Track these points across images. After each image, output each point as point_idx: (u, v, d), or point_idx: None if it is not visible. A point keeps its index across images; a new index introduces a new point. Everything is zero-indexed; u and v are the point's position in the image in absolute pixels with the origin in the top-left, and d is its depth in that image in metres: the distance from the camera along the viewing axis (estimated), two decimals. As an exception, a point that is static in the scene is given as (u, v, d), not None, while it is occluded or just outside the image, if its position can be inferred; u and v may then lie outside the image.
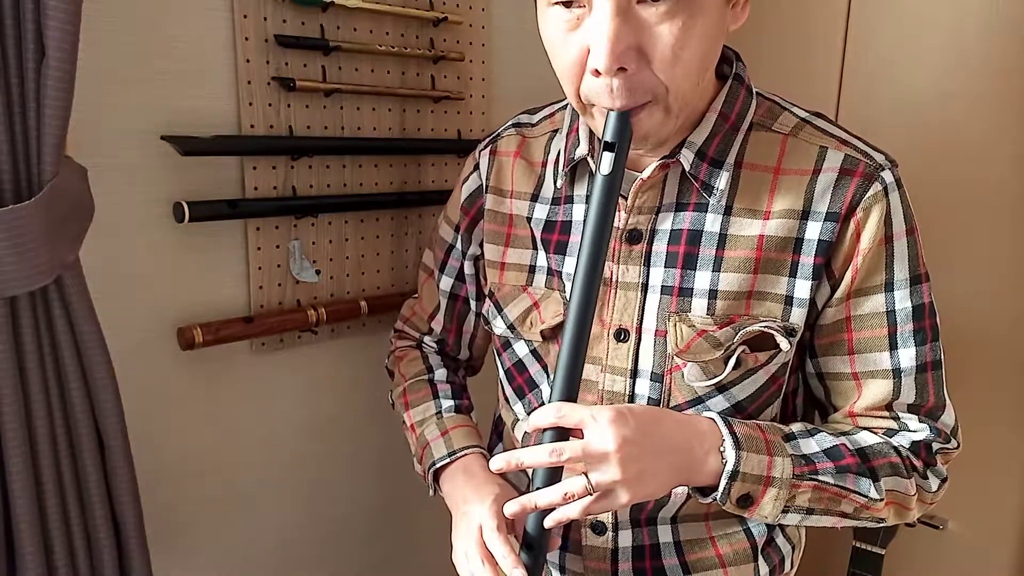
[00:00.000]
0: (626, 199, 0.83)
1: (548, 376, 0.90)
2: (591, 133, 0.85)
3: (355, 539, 1.39)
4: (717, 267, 0.80)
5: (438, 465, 0.93)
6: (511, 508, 0.74)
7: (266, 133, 1.12)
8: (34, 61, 0.81)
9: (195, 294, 1.11)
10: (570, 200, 0.89)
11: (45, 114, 0.82)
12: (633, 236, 0.83)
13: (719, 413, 0.80)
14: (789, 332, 0.81)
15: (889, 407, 0.83)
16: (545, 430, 0.73)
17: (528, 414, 0.94)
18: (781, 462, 0.76)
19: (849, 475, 0.78)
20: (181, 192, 1.06)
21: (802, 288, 0.80)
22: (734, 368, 0.81)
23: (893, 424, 0.84)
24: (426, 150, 1.31)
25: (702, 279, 0.81)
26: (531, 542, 0.75)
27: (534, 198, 0.92)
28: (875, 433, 0.82)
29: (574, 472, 0.72)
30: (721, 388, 0.83)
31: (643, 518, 0.88)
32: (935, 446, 0.83)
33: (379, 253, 1.30)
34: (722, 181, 0.80)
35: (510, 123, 0.99)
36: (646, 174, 0.81)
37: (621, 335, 0.84)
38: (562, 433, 0.72)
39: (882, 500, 0.79)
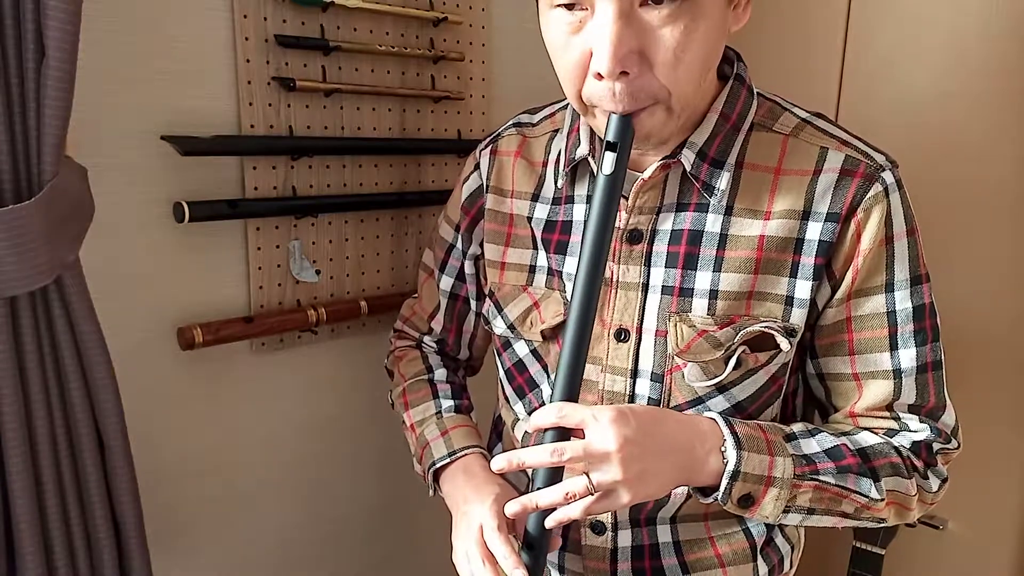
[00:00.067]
0: (627, 199, 0.83)
1: (548, 376, 0.90)
2: (592, 133, 0.85)
3: (355, 539, 1.39)
4: (718, 267, 0.80)
5: (438, 465, 0.93)
6: (512, 508, 0.73)
7: (266, 133, 1.12)
8: (34, 61, 0.81)
9: (195, 294, 1.11)
10: (571, 200, 0.89)
11: (45, 114, 0.82)
12: (634, 236, 0.83)
13: (720, 413, 0.80)
14: (789, 332, 0.81)
15: (890, 407, 0.83)
16: (546, 430, 0.73)
17: (528, 414, 0.94)
18: (782, 462, 0.76)
19: (850, 475, 0.78)
20: (181, 192, 1.06)
21: (802, 288, 0.80)
22: (734, 368, 0.81)
23: (894, 424, 0.84)
24: (426, 150, 1.31)
25: (703, 279, 0.81)
26: (532, 542, 0.75)
27: (535, 198, 0.92)
28: (876, 433, 0.82)
29: (575, 472, 0.72)
30: (721, 388, 0.83)
31: (642, 518, 0.88)
32: (935, 446, 0.83)
33: (379, 253, 1.30)
34: (723, 181, 0.80)
35: (511, 123, 0.99)
36: (647, 174, 0.81)
37: (621, 335, 0.84)
38: (563, 433, 0.72)
39: (883, 500, 0.79)
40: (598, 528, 0.88)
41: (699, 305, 0.81)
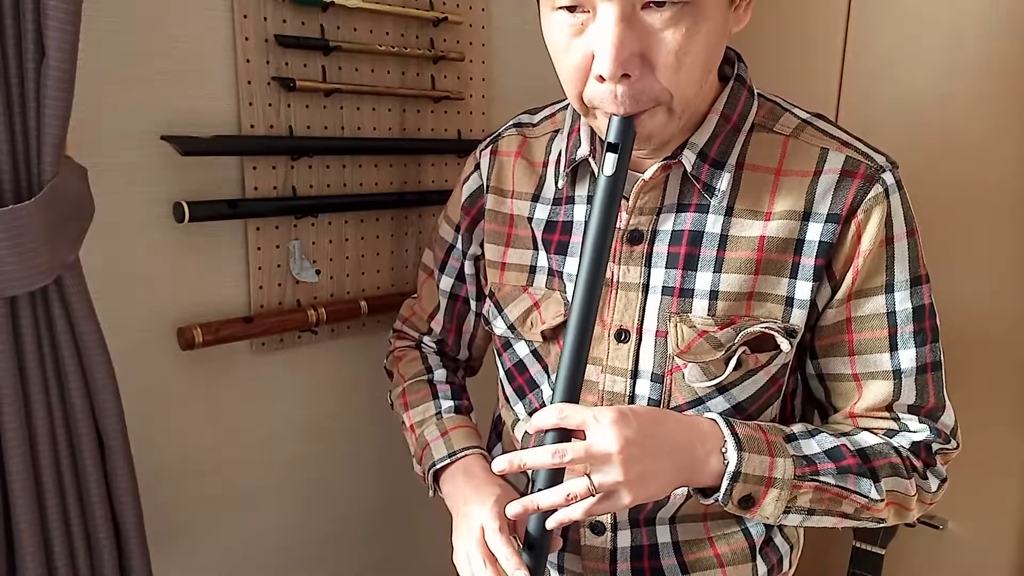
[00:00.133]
0: (627, 200, 0.83)
1: (548, 376, 0.90)
2: (592, 133, 0.85)
3: (355, 539, 1.39)
4: (718, 268, 0.80)
5: (438, 466, 0.93)
6: (513, 509, 0.74)
7: (266, 133, 1.12)
8: (34, 61, 0.81)
9: (195, 294, 1.11)
10: (571, 200, 0.89)
11: (45, 114, 0.82)
12: (634, 237, 0.83)
13: (720, 414, 0.80)
14: (790, 333, 0.81)
15: (889, 408, 0.83)
16: (547, 431, 0.73)
17: (529, 414, 0.94)
18: (783, 463, 0.76)
19: (850, 476, 0.78)
20: (181, 192, 1.06)
21: (803, 289, 0.80)
22: (735, 369, 0.81)
23: (893, 425, 0.84)
24: (426, 150, 1.31)
25: (703, 280, 0.81)
26: (533, 543, 0.75)
27: (535, 198, 0.92)
28: (875, 434, 0.82)
29: (575, 473, 0.72)
30: (721, 389, 0.83)
31: (642, 518, 0.88)
32: (935, 446, 0.83)
33: (379, 253, 1.30)
34: (723, 182, 0.80)
35: (511, 123, 0.99)
36: (648, 175, 0.81)
37: (622, 335, 0.84)
38: (564, 434, 0.72)
39: (882, 500, 0.79)
40: (597, 528, 0.88)
41: (699, 306, 0.81)
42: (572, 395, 0.74)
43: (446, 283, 1.05)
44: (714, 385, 0.82)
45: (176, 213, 1.05)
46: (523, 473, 0.90)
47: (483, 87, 1.37)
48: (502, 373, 0.98)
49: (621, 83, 0.71)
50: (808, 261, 0.79)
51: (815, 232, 0.79)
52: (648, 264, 0.83)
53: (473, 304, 1.05)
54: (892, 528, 1.38)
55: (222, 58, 1.07)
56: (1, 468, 0.89)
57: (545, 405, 0.89)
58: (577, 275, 0.74)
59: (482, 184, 0.98)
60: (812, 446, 0.79)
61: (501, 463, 0.72)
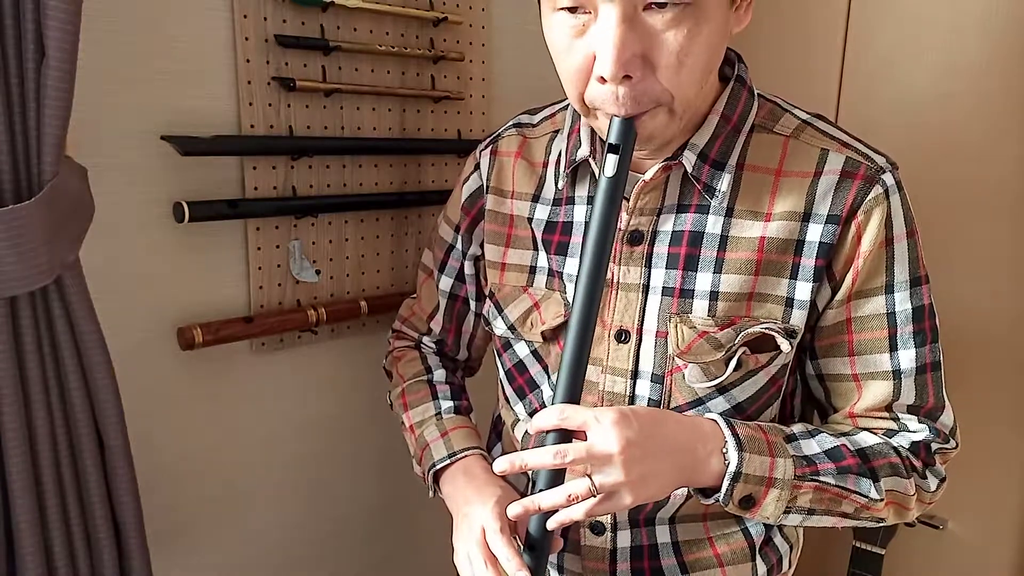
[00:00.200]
0: (628, 201, 0.83)
1: (549, 377, 0.90)
2: (592, 134, 0.85)
3: (355, 539, 1.39)
4: (718, 269, 0.80)
5: (438, 466, 0.93)
6: (514, 510, 0.74)
7: (266, 133, 1.12)
8: (34, 61, 0.81)
9: (195, 294, 1.11)
10: (571, 201, 0.89)
11: (45, 114, 0.82)
12: (635, 237, 0.83)
13: (720, 414, 0.80)
14: (790, 334, 0.81)
15: (889, 408, 0.83)
16: (548, 432, 0.73)
17: (529, 414, 0.94)
18: (783, 463, 0.76)
19: (850, 476, 0.78)
20: (181, 192, 1.06)
21: (803, 290, 0.80)
22: (735, 369, 0.81)
23: (893, 425, 0.84)
24: (426, 150, 1.31)
25: (703, 280, 0.81)
26: (534, 543, 0.75)
27: (535, 199, 0.92)
28: (875, 434, 0.83)
29: (576, 474, 0.72)
30: (722, 389, 0.83)
31: (642, 519, 0.88)
32: (934, 446, 0.83)
33: (379, 253, 1.30)
34: (724, 183, 0.80)
35: (511, 123, 0.99)
36: (648, 176, 0.81)
37: (622, 336, 0.84)
38: (565, 435, 0.72)
39: (882, 500, 0.79)
40: (597, 529, 0.88)
41: (700, 306, 0.81)
42: (573, 396, 0.74)
43: (445, 283, 1.05)
44: (714, 386, 0.82)
45: (176, 213, 1.05)
46: (523, 473, 0.90)
47: (483, 87, 1.37)
48: (502, 373, 0.98)
49: (622, 84, 0.71)
50: (808, 262, 0.79)
51: (815, 233, 0.79)
52: (648, 265, 0.83)
53: (473, 304, 1.05)
54: (892, 528, 1.38)
55: (222, 58, 1.07)
56: (1, 468, 0.89)
57: (545, 405, 0.89)
58: (578, 276, 0.74)
59: (482, 184, 0.98)
60: (812, 446, 0.79)
61: (502, 464, 0.72)
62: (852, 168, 0.79)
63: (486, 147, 0.99)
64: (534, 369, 0.92)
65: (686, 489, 0.84)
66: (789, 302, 0.81)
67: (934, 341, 0.82)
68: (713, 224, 0.81)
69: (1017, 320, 1.34)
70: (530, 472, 0.79)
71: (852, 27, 1.46)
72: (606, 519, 0.88)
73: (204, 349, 1.09)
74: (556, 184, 0.90)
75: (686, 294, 0.81)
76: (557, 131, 0.93)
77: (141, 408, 1.06)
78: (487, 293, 0.98)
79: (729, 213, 0.81)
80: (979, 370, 1.37)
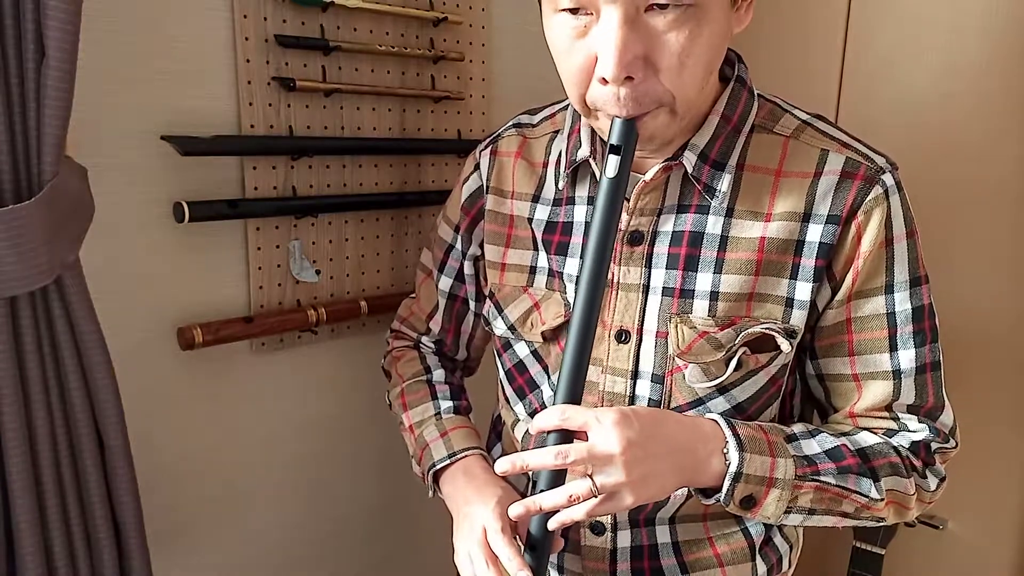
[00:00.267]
0: (628, 201, 0.83)
1: (549, 377, 0.90)
2: (592, 134, 0.85)
3: (355, 539, 1.39)
4: (718, 269, 0.80)
5: (438, 467, 0.93)
6: (516, 510, 0.74)
7: (266, 133, 1.12)
8: (34, 61, 0.81)
9: (195, 294, 1.11)
10: (571, 201, 0.89)
11: (45, 114, 0.82)
12: (635, 238, 0.83)
13: (720, 414, 0.80)
14: (790, 334, 0.81)
15: (889, 408, 0.83)
16: (549, 432, 0.73)
17: (529, 415, 0.94)
18: (784, 463, 0.76)
19: (850, 475, 0.78)
20: (181, 192, 1.06)
21: (803, 290, 0.80)
22: (735, 369, 0.81)
23: (893, 424, 0.84)
24: (426, 150, 1.31)
25: (703, 281, 0.81)
26: (535, 543, 0.76)
27: (535, 199, 0.92)
28: (875, 433, 0.83)
29: (576, 474, 0.72)
30: (722, 389, 0.83)
31: (642, 519, 0.88)
32: (934, 446, 0.83)
33: (379, 253, 1.30)
34: (724, 183, 0.80)
35: (511, 123, 0.99)
36: (648, 176, 0.81)
37: (622, 336, 0.84)
38: (565, 435, 0.72)
39: (882, 500, 0.79)
40: (597, 529, 0.88)
41: (700, 306, 0.81)
42: (574, 396, 0.74)
43: (445, 283, 1.05)
44: (714, 386, 0.82)
45: (176, 213, 1.05)
46: (524, 474, 0.90)
47: (483, 87, 1.37)
48: (502, 374, 0.98)
49: (624, 85, 0.71)
50: (808, 262, 0.79)
51: (815, 233, 0.79)
52: (648, 265, 0.83)
53: (472, 304, 1.05)
54: (892, 528, 1.38)
55: (222, 58, 1.07)
56: (1, 468, 0.89)
57: (546, 406, 0.89)
58: (579, 276, 0.74)
59: (482, 184, 0.97)
60: (813, 446, 0.79)
61: (504, 464, 0.72)
62: (852, 168, 0.79)
63: (486, 147, 0.99)
64: (534, 369, 0.92)
65: (686, 489, 0.84)
66: (789, 302, 0.81)
67: (934, 341, 0.82)
68: (713, 224, 0.81)
69: (1017, 320, 1.34)
70: (531, 472, 0.79)
71: (852, 27, 1.46)
72: (606, 519, 0.88)
73: (204, 349, 1.09)
74: (556, 184, 0.90)
75: (686, 294, 0.81)
76: (557, 131, 0.93)
77: (141, 408, 1.06)
78: (487, 293, 0.98)
79: (729, 213, 0.81)
80: (979, 370, 1.37)
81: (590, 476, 0.71)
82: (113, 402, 0.95)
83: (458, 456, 0.92)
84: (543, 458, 0.71)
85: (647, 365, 0.83)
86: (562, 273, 0.88)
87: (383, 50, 1.20)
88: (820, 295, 0.81)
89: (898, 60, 1.41)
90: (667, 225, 0.83)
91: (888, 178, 0.79)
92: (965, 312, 1.36)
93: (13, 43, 0.81)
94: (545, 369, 0.91)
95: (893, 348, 0.81)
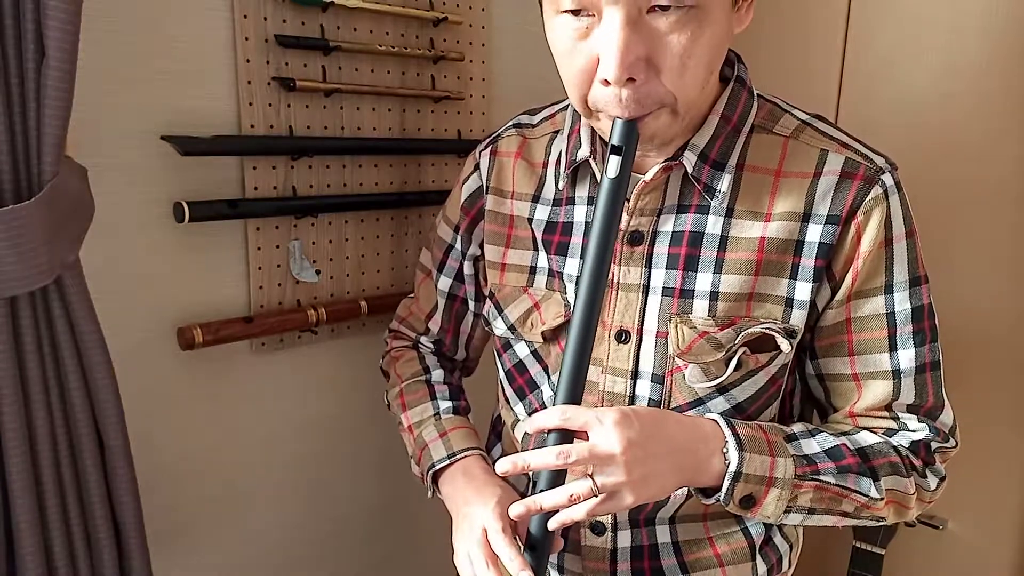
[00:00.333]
0: (628, 201, 0.83)
1: (549, 377, 0.90)
2: (592, 134, 0.85)
3: (355, 539, 1.39)
4: (718, 269, 0.80)
5: (437, 467, 0.93)
6: (516, 511, 0.74)
7: (266, 133, 1.12)
8: (34, 61, 0.81)
9: (195, 294, 1.11)
10: (571, 201, 0.89)
11: (45, 114, 0.82)
12: (635, 238, 0.83)
13: (720, 414, 0.80)
14: (790, 334, 0.81)
15: (889, 407, 0.83)
16: (549, 432, 0.73)
17: (529, 415, 0.94)
18: (783, 463, 0.76)
19: (850, 475, 0.78)
20: (181, 192, 1.06)
21: (802, 290, 0.80)
22: (735, 369, 0.81)
23: (893, 424, 0.84)
24: (426, 150, 1.31)
25: (703, 281, 0.81)
26: (535, 543, 0.76)
27: (535, 199, 0.92)
28: (875, 433, 0.83)
29: (576, 474, 0.72)
30: (722, 389, 0.83)
31: (642, 519, 0.88)
32: (934, 445, 0.83)
33: (379, 253, 1.30)
34: (724, 183, 0.80)
35: (510, 124, 0.99)
36: (648, 176, 0.81)
37: (622, 336, 0.84)
38: (566, 434, 0.72)
39: (882, 499, 0.79)
40: (597, 529, 0.88)
41: (700, 306, 0.81)
42: (574, 396, 0.74)
43: (444, 283, 1.05)
44: (714, 386, 0.82)
45: (176, 213, 1.05)
46: (524, 474, 0.90)
47: (483, 87, 1.37)
48: (502, 374, 0.98)
49: (626, 87, 0.71)
50: (808, 262, 0.79)
51: (815, 233, 0.79)
52: (648, 265, 0.83)
53: (471, 304, 1.05)
54: (892, 528, 1.38)
55: (222, 58, 1.07)
56: (1, 468, 0.89)
57: (545, 406, 0.89)
58: (580, 276, 0.74)
59: (482, 185, 0.97)
60: (812, 446, 0.80)
61: (505, 465, 0.72)
62: (852, 168, 0.79)
63: (486, 147, 0.99)
64: (534, 369, 0.92)
65: (686, 489, 0.84)
66: (789, 302, 0.81)
67: (933, 341, 0.82)
68: (713, 224, 0.81)
69: (1017, 320, 1.34)
70: (530, 472, 0.79)
71: (852, 27, 1.46)
72: (606, 519, 0.88)
73: (204, 349, 1.09)
74: (556, 184, 0.90)
75: (686, 294, 0.81)
76: (557, 132, 0.93)
77: (141, 408, 1.06)
78: (487, 293, 0.98)
79: (729, 213, 0.81)
80: (979, 370, 1.37)
81: (590, 476, 0.71)
82: (113, 402, 0.95)
83: (457, 456, 0.92)
84: (545, 458, 0.71)
85: (647, 365, 0.83)
86: (562, 273, 0.88)
87: (383, 50, 1.20)
88: (820, 295, 0.81)
89: (898, 60, 1.40)
90: (667, 225, 0.83)
91: (888, 178, 0.79)
92: (965, 312, 1.36)
93: (13, 43, 0.81)
94: (545, 369, 0.91)
95: (893, 348, 0.81)
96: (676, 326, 0.82)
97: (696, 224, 0.82)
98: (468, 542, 0.80)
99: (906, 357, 0.81)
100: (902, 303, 0.80)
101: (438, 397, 1.01)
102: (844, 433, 0.82)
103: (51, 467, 0.92)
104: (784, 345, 0.80)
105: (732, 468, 0.74)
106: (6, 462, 0.89)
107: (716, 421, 0.78)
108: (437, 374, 1.05)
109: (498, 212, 0.95)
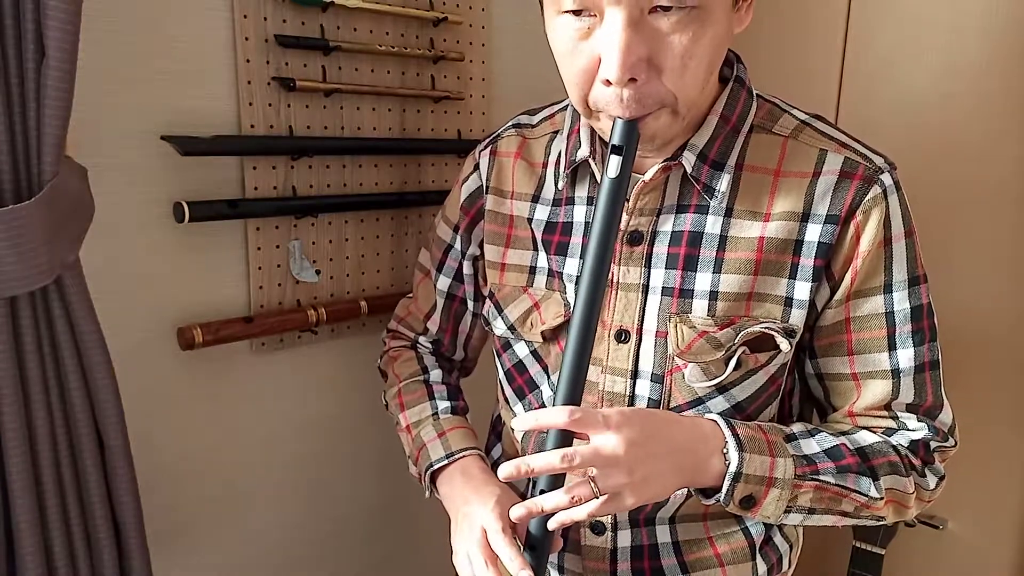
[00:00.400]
0: (627, 201, 0.83)
1: (548, 377, 0.90)
2: (592, 134, 0.85)
3: (355, 539, 1.39)
4: (718, 269, 0.80)
5: (435, 467, 0.93)
6: (517, 512, 0.73)
7: (266, 133, 1.12)
8: (34, 61, 0.81)
9: (195, 294, 1.11)
10: (571, 201, 0.89)
11: (45, 114, 0.82)
12: (634, 238, 0.83)
13: (720, 414, 0.80)
14: (789, 333, 0.81)
15: (888, 407, 0.84)
16: (549, 432, 0.73)
17: (528, 415, 0.94)
18: (783, 463, 0.76)
19: (850, 475, 0.78)
20: (181, 192, 1.06)
21: (802, 290, 0.80)
22: (734, 369, 0.81)
23: (892, 423, 0.84)
24: (426, 150, 1.31)
25: (703, 280, 0.81)
26: (535, 543, 0.76)
27: (535, 199, 0.92)
28: (874, 432, 0.83)
29: (577, 474, 0.72)
30: (721, 389, 0.83)
31: (642, 518, 0.88)
32: (933, 444, 0.83)
33: (379, 253, 1.30)
34: (723, 183, 0.80)
35: (510, 124, 0.99)
36: (648, 176, 0.81)
37: (622, 336, 0.84)
38: (566, 434, 0.72)
39: (882, 499, 0.79)
40: (598, 528, 0.88)
41: (699, 306, 0.81)
42: (574, 396, 0.74)
43: (443, 283, 1.05)
44: (714, 385, 0.82)
45: (176, 213, 1.05)
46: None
47: (483, 87, 1.37)
48: (502, 374, 0.98)
49: (627, 87, 0.71)
50: (807, 262, 0.79)
51: (814, 233, 0.79)
52: (648, 265, 0.83)
53: (470, 304, 1.05)
54: (892, 528, 1.38)
55: (222, 58, 1.07)
56: (1, 468, 0.89)
57: (545, 406, 0.89)
58: (580, 276, 0.74)
59: (481, 184, 0.98)
60: (812, 446, 0.80)
61: (508, 469, 0.71)
62: (851, 168, 0.79)
63: (485, 147, 0.99)
64: (534, 369, 0.92)
65: (686, 489, 0.84)
66: (788, 302, 0.81)
67: (932, 340, 0.82)
68: (712, 224, 0.81)
69: (1017, 320, 1.34)
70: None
71: (852, 27, 1.46)
72: (606, 519, 0.88)
73: (204, 349, 1.09)
74: (556, 184, 0.90)
75: (686, 294, 0.81)
76: (556, 132, 0.93)
77: (141, 408, 1.06)
78: (487, 293, 0.98)
79: (728, 213, 0.81)
80: (979, 370, 1.37)
81: (591, 477, 0.71)
82: (113, 402, 0.95)
83: (456, 456, 0.92)
84: (549, 461, 0.70)
85: (647, 365, 0.83)
86: (562, 273, 0.88)
87: (383, 50, 1.20)
88: (819, 295, 0.81)
89: (898, 60, 1.41)
90: (666, 225, 0.83)
91: (887, 178, 0.79)
92: (965, 312, 1.36)
93: (13, 43, 0.81)
94: (545, 369, 0.91)
95: (892, 347, 0.81)
96: (676, 326, 0.82)
97: (695, 224, 0.82)
98: (467, 542, 0.80)
99: (905, 356, 0.81)
100: (901, 302, 0.80)
101: (436, 397, 1.01)
102: (843, 433, 0.82)
103: (51, 467, 0.93)
104: (783, 345, 0.80)
105: (732, 468, 0.74)
106: (6, 462, 0.89)
107: (716, 421, 0.78)
108: (435, 374, 1.05)
109: (498, 212, 0.95)
